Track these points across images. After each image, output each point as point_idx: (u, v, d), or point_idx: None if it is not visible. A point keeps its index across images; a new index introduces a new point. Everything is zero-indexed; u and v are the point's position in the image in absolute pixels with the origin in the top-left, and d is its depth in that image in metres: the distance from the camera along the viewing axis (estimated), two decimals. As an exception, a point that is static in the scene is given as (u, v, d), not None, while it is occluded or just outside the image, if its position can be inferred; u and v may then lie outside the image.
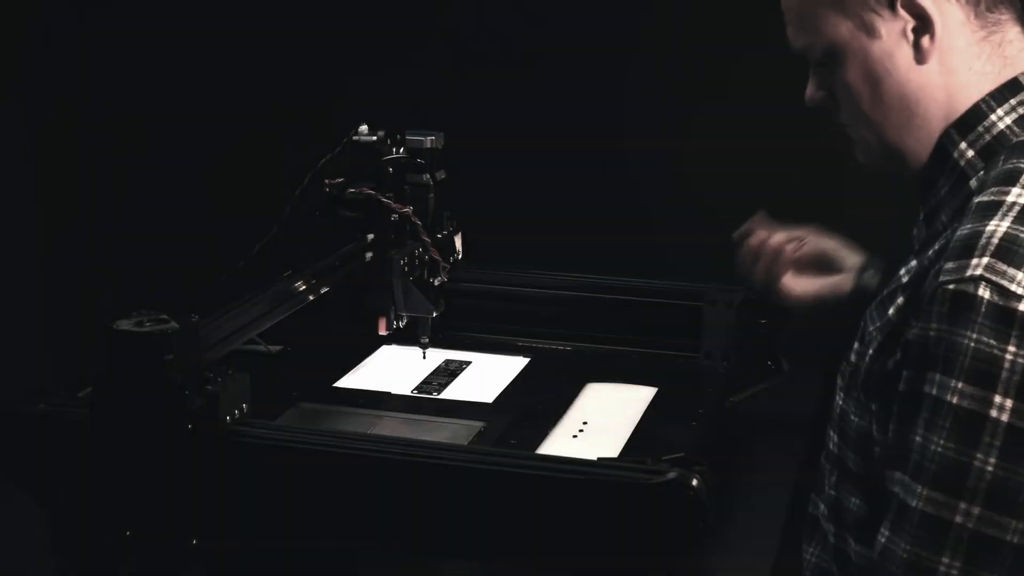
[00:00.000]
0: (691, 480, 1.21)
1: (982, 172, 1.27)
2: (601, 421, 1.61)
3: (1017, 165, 1.22)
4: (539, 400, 1.69)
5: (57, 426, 1.35)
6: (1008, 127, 1.27)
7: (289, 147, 2.36)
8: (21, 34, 2.71)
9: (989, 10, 1.28)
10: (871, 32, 1.29)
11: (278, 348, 1.79)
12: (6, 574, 2.06)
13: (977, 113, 1.28)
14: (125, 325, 1.29)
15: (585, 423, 1.60)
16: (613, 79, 2.44)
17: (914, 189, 1.34)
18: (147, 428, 1.28)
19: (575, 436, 1.57)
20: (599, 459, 1.30)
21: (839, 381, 1.35)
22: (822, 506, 1.38)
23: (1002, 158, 1.25)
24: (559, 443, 1.55)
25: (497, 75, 2.47)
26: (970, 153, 1.28)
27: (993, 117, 1.28)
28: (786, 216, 2.28)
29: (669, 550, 1.23)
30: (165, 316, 1.31)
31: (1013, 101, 1.28)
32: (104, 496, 1.32)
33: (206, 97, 2.65)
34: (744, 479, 1.64)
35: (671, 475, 1.21)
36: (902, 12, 1.27)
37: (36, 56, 2.73)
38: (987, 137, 1.28)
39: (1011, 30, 1.30)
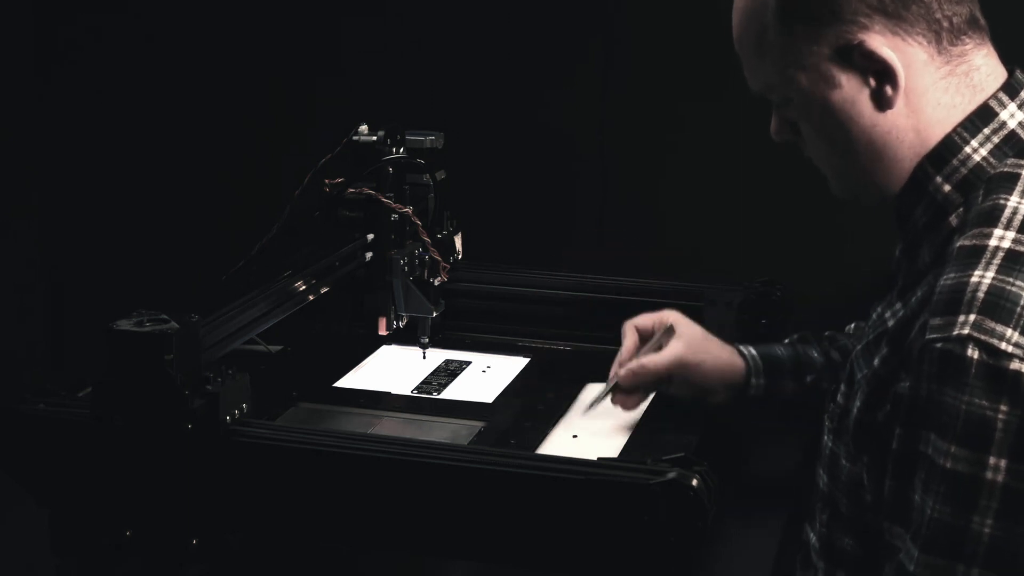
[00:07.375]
0: (691, 480, 1.21)
1: (961, 209, 1.23)
2: (601, 421, 1.61)
3: (997, 202, 1.19)
4: (539, 400, 1.68)
5: (57, 426, 1.35)
6: (984, 159, 1.23)
7: (289, 147, 2.37)
8: (21, 34, 2.71)
9: (952, 44, 1.24)
10: (830, 83, 1.25)
11: (278, 348, 1.79)
12: (6, 574, 2.06)
13: (950, 146, 1.24)
14: (125, 325, 1.29)
15: (585, 423, 1.60)
16: (613, 78, 2.44)
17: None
18: (147, 428, 1.29)
19: (575, 436, 1.57)
20: (599, 459, 1.30)
21: (827, 422, 1.34)
22: (813, 537, 1.36)
23: (981, 193, 1.22)
24: (559, 443, 1.55)
25: (497, 75, 2.47)
26: (946, 188, 1.24)
27: (968, 149, 1.24)
28: (786, 216, 2.29)
29: (669, 550, 1.23)
30: (165, 316, 1.31)
31: (987, 130, 1.24)
32: (104, 496, 1.32)
33: (206, 97, 2.65)
34: (744, 479, 1.64)
35: (671, 475, 1.21)
36: (860, 64, 1.23)
37: (36, 56, 2.73)
38: (963, 171, 1.24)
39: (977, 55, 1.25)
